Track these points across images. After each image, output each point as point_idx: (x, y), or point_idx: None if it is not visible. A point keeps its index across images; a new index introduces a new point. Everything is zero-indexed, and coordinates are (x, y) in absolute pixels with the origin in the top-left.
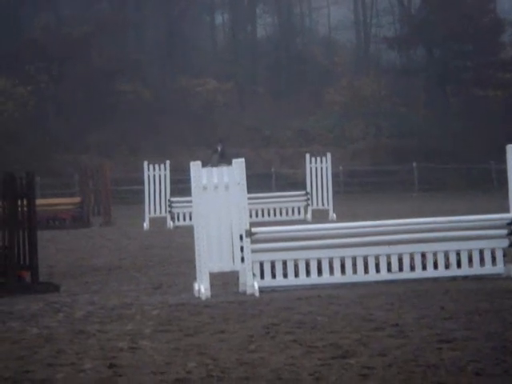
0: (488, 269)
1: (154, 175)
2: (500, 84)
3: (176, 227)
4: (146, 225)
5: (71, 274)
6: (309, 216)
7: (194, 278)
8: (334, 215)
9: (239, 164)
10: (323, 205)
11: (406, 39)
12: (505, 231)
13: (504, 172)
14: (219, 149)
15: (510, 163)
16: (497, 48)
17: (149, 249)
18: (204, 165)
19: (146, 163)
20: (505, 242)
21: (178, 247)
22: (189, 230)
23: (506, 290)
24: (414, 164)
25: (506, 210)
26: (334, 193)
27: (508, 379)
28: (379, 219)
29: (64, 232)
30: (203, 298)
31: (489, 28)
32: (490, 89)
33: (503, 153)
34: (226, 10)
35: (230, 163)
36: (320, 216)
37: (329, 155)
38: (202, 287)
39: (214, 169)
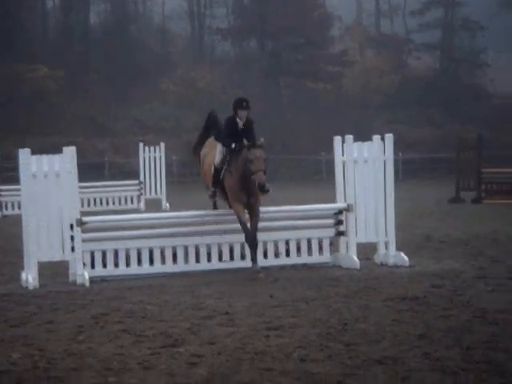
0: (316, 258)
1: None
2: (329, 77)
3: (4, 216)
4: None
5: None
6: (142, 205)
7: (22, 268)
8: (167, 204)
9: (70, 152)
10: (156, 194)
11: (239, 31)
12: (331, 221)
13: (333, 163)
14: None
15: (337, 154)
16: (326, 42)
17: None
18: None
19: None
20: (331, 232)
21: (6, 236)
22: (18, 219)
23: (331, 278)
24: None
25: (334, 200)
26: (168, 182)
27: (331, 364)
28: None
29: None
30: (31, 287)
31: (319, 22)
32: (320, 81)
33: (332, 144)
34: None
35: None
36: (153, 205)
37: (162, 145)
38: (30, 277)
39: (44, 156)
